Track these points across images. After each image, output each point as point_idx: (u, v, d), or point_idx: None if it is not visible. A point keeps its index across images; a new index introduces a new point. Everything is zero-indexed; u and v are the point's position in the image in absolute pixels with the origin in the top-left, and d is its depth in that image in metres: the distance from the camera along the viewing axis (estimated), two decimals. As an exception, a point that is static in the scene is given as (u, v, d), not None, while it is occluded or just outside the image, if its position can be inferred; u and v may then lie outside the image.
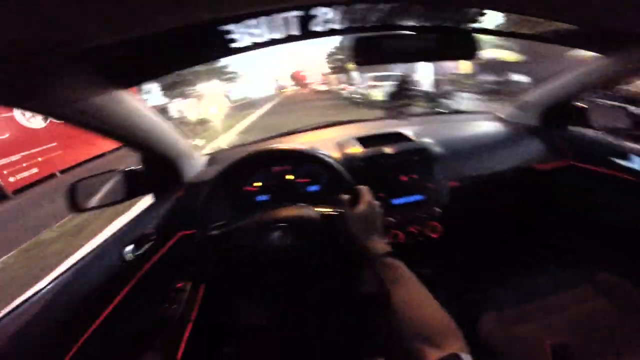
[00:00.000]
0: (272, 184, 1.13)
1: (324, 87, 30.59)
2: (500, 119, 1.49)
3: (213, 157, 1.38)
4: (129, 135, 0.90)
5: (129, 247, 0.89)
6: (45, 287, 0.74)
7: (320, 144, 1.23)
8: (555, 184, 1.31)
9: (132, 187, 1.03)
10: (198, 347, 1.07)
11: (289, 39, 0.76)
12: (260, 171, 1.13)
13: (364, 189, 0.80)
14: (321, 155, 0.90)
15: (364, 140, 1.22)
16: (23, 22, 0.39)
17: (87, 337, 0.69)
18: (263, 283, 0.92)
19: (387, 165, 1.11)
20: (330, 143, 1.27)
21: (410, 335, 0.50)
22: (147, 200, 1.12)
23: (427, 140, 1.18)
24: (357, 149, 1.16)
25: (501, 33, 0.85)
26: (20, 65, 0.49)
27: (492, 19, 0.76)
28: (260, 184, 1.13)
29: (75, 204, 0.97)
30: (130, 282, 0.86)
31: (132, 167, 1.05)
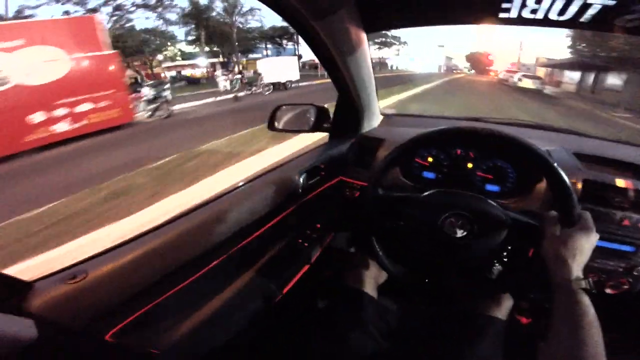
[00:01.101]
0: (445, 165, 1.06)
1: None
2: None
3: (389, 118, 1.39)
4: (348, 72, 0.98)
5: (303, 175, 0.99)
6: (225, 192, 0.85)
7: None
8: None
9: (318, 122, 1.16)
10: (302, 290, 1.12)
11: (571, 24, 0.64)
12: (440, 148, 1.06)
13: (586, 213, 0.67)
14: (543, 154, 0.75)
15: (585, 159, 0.99)
16: None
17: (235, 250, 0.79)
18: (398, 260, 0.89)
19: (612, 200, 0.88)
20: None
21: None
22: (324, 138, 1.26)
23: None
24: (575, 168, 0.95)
25: None
26: None
27: None
28: (431, 159, 1.07)
29: (272, 122, 1.17)
30: (292, 206, 0.97)
31: (324, 105, 1.16)
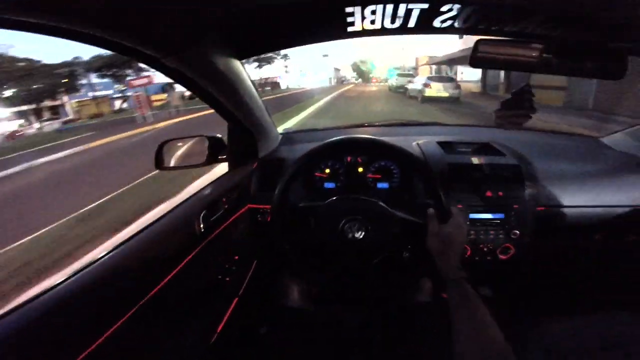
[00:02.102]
0: (342, 173, 1.16)
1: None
2: (605, 146, 1.35)
3: (287, 137, 1.44)
4: (228, 101, 0.98)
5: (204, 212, 0.95)
6: (123, 242, 0.78)
7: (396, 142, 1.24)
8: None
9: (213, 153, 1.12)
10: (237, 322, 1.12)
11: (404, 31, 0.77)
12: (334, 158, 1.16)
13: (456, 210, 0.80)
14: (408, 152, 0.90)
15: (446, 146, 1.19)
16: None
17: (146, 300, 0.72)
18: (317, 269, 0.95)
19: (472, 177, 1.07)
20: (407, 143, 1.24)
21: (470, 354, 0.55)
22: (222, 169, 1.21)
23: (520, 157, 1.12)
24: (440, 156, 1.13)
25: None
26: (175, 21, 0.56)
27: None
28: (329, 170, 1.16)
29: (159, 161, 1.09)
30: (196, 248, 0.92)
31: (216, 135, 1.13)
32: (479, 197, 1.06)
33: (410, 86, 15.84)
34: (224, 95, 0.94)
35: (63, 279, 0.62)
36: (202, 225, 0.93)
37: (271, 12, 0.72)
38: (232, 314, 1.09)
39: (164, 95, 31.24)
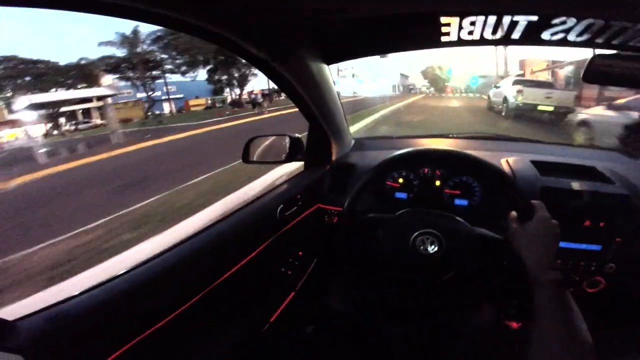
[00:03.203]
0: (416, 185, 1.15)
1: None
2: None
3: (360, 142, 1.48)
4: (314, 103, 1.04)
5: (281, 206, 1.04)
6: (207, 227, 0.88)
7: (481, 156, 1.19)
8: None
9: (292, 152, 1.20)
10: (289, 318, 1.15)
11: (506, 42, 0.76)
12: (408, 169, 1.16)
13: (539, 203, 0.73)
14: (497, 169, 0.86)
15: (542, 166, 1.10)
16: None
17: (217, 284, 0.81)
18: (377, 278, 0.96)
19: (570, 204, 0.98)
20: (494, 159, 1.17)
21: None
22: (298, 167, 1.30)
23: (632, 185, 1.00)
24: (533, 176, 1.06)
25: None
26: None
27: None
28: (402, 180, 1.16)
29: (246, 155, 1.21)
30: (271, 238, 1.00)
31: (297, 135, 1.22)
32: (575, 226, 0.97)
33: (491, 92, 11.27)
34: (311, 97, 1.01)
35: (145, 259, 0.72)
36: (278, 218, 1.01)
37: (363, 21, 0.76)
38: (286, 307, 1.14)
39: (202, 100, 32.47)
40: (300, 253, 1.22)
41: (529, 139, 1.46)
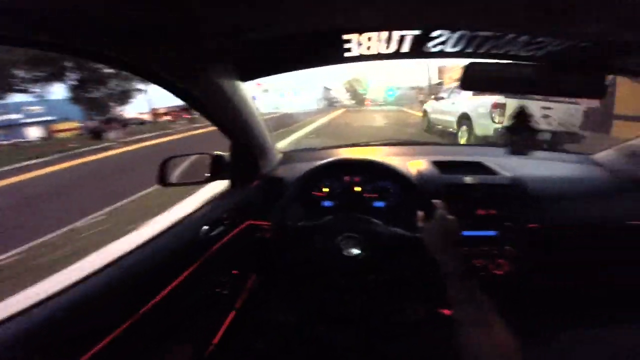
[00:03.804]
0: (339, 193, 1.22)
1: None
2: (597, 164, 1.44)
3: (288, 156, 1.52)
4: (232, 121, 1.04)
5: (204, 228, 1.01)
6: (117, 258, 0.81)
7: (392, 161, 1.27)
8: None
9: (215, 170, 1.17)
10: (234, 336, 1.15)
11: (398, 56, 0.86)
12: (331, 178, 1.22)
13: (438, 203, 0.84)
14: (405, 174, 0.97)
15: (441, 165, 1.27)
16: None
17: (144, 311, 0.76)
18: (314, 286, 1.00)
19: (465, 196, 1.14)
20: (404, 162, 1.32)
21: (476, 352, 0.55)
22: (223, 186, 1.27)
23: (511, 175, 1.20)
24: (435, 175, 1.21)
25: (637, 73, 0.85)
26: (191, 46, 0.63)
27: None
28: (327, 190, 1.22)
29: (163, 177, 1.14)
30: (197, 261, 0.97)
31: (219, 153, 1.19)
32: (472, 215, 1.13)
33: (428, 108, 8.74)
34: (228, 115, 1.01)
35: (61, 288, 0.66)
36: (202, 240, 0.99)
37: (274, 40, 0.80)
38: (229, 327, 1.13)
39: (74, 123, 26.49)
40: (235, 271, 1.19)
41: (431, 142, 1.70)
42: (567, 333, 1.04)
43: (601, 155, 1.47)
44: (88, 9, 0.46)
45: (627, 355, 0.94)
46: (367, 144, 1.68)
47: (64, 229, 3.99)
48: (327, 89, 60.12)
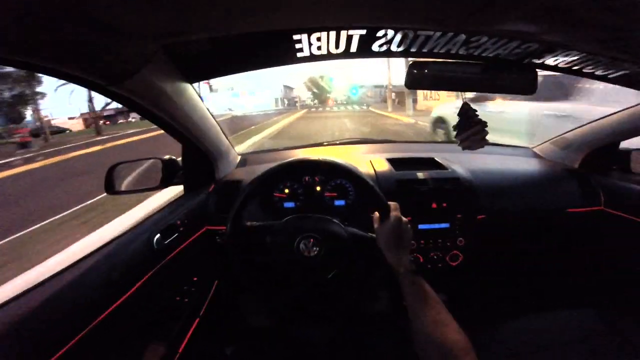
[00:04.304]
0: (300, 193, 1.23)
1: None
2: (537, 156, 1.57)
3: (245, 158, 1.51)
4: (180, 124, 1.01)
5: (157, 236, 0.97)
6: (66, 268, 0.78)
7: (350, 160, 1.31)
8: (585, 228, 1.38)
9: (167, 176, 1.14)
10: (201, 343, 1.14)
11: (348, 55, 0.88)
12: (291, 178, 1.24)
13: (393, 204, 0.87)
14: (360, 175, 1.00)
15: (395, 162, 1.33)
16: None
17: (97, 323, 0.73)
18: (277, 287, 1.01)
19: (418, 191, 1.20)
20: (361, 160, 1.37)
21: (431, 352, 0.58)
22: (177, 191, 1.23)
23: (460, 170, 1.28)
24: (389, 171, 1.27)
25: (567, 70, 0.91)
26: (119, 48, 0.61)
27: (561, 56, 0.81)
28: (288, 191, 1.23)
29: (110, 185, 1.09)
30: (151, 270, 0.94)
31: (171, 157, 1.16)
32: (425, 209, 1.19)
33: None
34: (175, 118, 0.98)
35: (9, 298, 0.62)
36: (155, 248, 0.95)
37: (221, 40, 0.78)
38: (193, 335, 1.11)
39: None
40: (195, 278, 1.17)
41: (386, 139, 1.78)
42: (515, 319, 1.13)
43: (540, 147, 1.61)
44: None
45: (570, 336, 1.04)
46: (328, 143, 1.73)
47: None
48: (288, 88, 57.45)
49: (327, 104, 45.90)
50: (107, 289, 0.79)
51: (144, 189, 1.15)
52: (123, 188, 1.12)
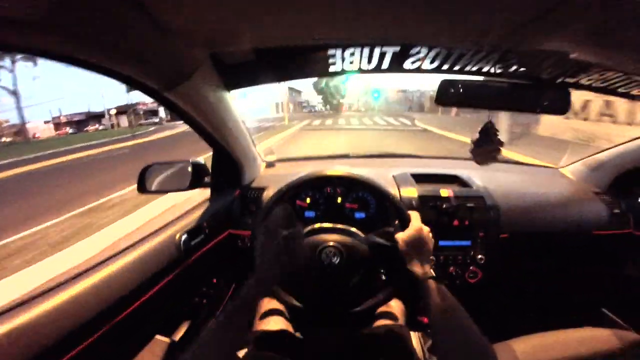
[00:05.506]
0: (321, 203, 1.28)
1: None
2: (564, 177, 1.57)
3: (271, 165, 1.57)
4: (215, 130, 1.07)
5: (185, 236, 1.03)
6: (93, 265, 0.82)
7: (374, 173, 1.32)
8: (610, 251, 1.37)
9: (196, 178, 1.19)
10: (217, 345, 1.17)
11: (378, 71, 0.92)
12: (314, 189, 1.29)
13: (414, 214, 0.91)
14: (381, 187, 1.04)
15: (419, 178, 1.36)
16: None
17: (120, 319, 0.78)
18: (294, 293, 1.05)
19: (440, 208, 1.22)
20: (385, 174, 1.40)
21: (452, 356, 0.60)
22: (205, 194, 1.29)
23: (484, 188, 1.29)
24: (412, 187, 1.29)
25: (602, 90, 0.93)
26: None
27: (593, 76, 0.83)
28: (309, 200, 1.28)
29: (142, 185, 1.15)
30: (176, 270, 0.99)
31: (201, 161, 1.22)
32: (447, 226, 1.22)
33: None
34: (212, 124, 1.04)
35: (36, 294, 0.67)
36: (182, 249, 1.01)
37: (262, 50, 0.84)
38: (206, 335, 1.14)
39: None
40: (215, 280, 1.22)
41: (409, 154, 1.80)
42: (534, 336, 1.13)
43: (568, 168, 1.61)
44: (72, 19, 0.48)
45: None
46: (351, 156, 1.79)
47: None
48: (295, 91, 49.40)
49: (340, 110, 40.52)
50: (136, 285, 0.84)
51: (173, 189, 1.21)
52: (154, 188, 1.18)
